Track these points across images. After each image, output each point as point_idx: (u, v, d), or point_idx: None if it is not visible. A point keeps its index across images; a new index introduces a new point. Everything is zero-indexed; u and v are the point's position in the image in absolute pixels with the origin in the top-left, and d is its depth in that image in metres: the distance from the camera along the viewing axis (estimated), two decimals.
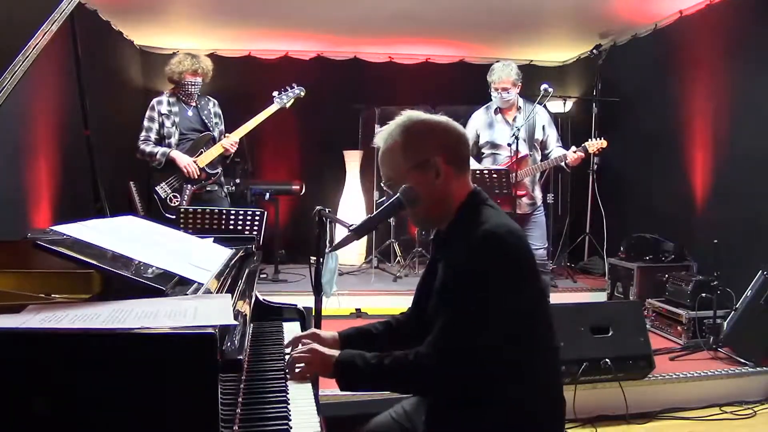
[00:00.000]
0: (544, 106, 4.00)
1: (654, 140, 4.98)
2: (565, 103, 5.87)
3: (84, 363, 0.95)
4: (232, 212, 3.38)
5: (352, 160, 6.21)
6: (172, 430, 0.96)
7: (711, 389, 3.26)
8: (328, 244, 2.25)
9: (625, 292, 4.60)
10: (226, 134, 4.06)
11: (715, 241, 3.69)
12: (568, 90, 6.30)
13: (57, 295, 1.35)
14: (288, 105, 4.20)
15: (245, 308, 1.61)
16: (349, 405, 2.61)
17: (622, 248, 4.72)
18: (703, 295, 3.75)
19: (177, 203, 3.89)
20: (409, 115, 1.58)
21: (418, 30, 5.54)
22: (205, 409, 0.96)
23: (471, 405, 1.45)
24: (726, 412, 3.13)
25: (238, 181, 5.04)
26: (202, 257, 1.59)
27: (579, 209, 5.93)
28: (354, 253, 5.86)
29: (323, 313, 2.13)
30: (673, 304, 3.98)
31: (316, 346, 1.53)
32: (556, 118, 4.90)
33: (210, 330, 0.98)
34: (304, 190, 5.62)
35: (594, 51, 5.70)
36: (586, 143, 3.92)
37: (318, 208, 2.12)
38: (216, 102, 4.22)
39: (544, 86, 3.90)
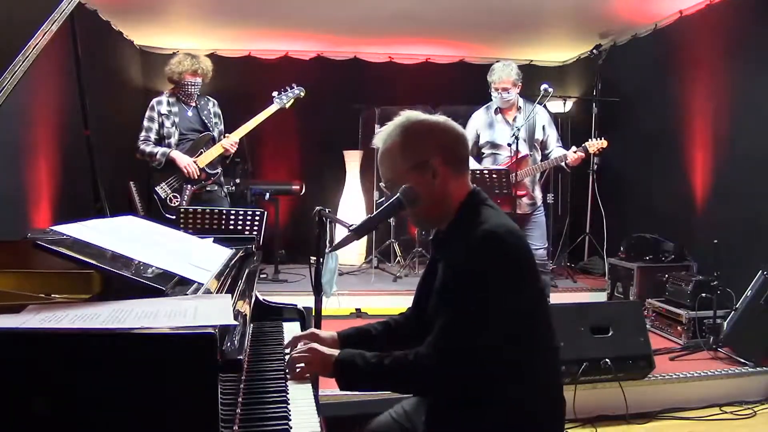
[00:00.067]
0: (544, 106, 4.00)
1: (654, 140, 4.98)
2: (565, 103, 5.87)
3: (84, 363, 0.95)
4: (232, 212, 3.38)
5: (352, 160, 6.21)
6: (172, 430, 0.96)
7: (711, 389, 3.26)
8: (328, 244, 2.25)
9: (625, 292, 4.60)
10: (226, 134, 4.06)
11: (715, 241, 3.70)
12: (568, 90, 6.30)
13: (57, 295, 1.35)
14: (288, 105, 4.19)
15: (245, 308, 1.61)
16: (349, 405, 2.61)
17: (622, 248, 4.72)
18: (703, 295, 3.75)
19: (177, 203, 3.89)
20: (407, 115, 1.59)
21: (418, 30, 5.54)
22: (205, 409, 0.96)
23: (471, 405, 1.45)
24: (726, 412, 3.13)
25: (238, 181, 5.03)
26: (202, 257, 1.59)
27: (579, 209, 5.92)
28: (354, 253, 5.86)
29: (323, 313, 2.13)
30: (673, 304, 3.98)
31: (315, 345, 1.53)
32: (556, 118, 4.89)
33: (210, 330, 0.98)
34: (304, 190, 5.62)
35: (594, 51, 5.70)
36: (586, 143, 3.92)
37: (318, 208, 2.13)
38: (216, 102, 4.21)
39: (544, 86, 3.90)
